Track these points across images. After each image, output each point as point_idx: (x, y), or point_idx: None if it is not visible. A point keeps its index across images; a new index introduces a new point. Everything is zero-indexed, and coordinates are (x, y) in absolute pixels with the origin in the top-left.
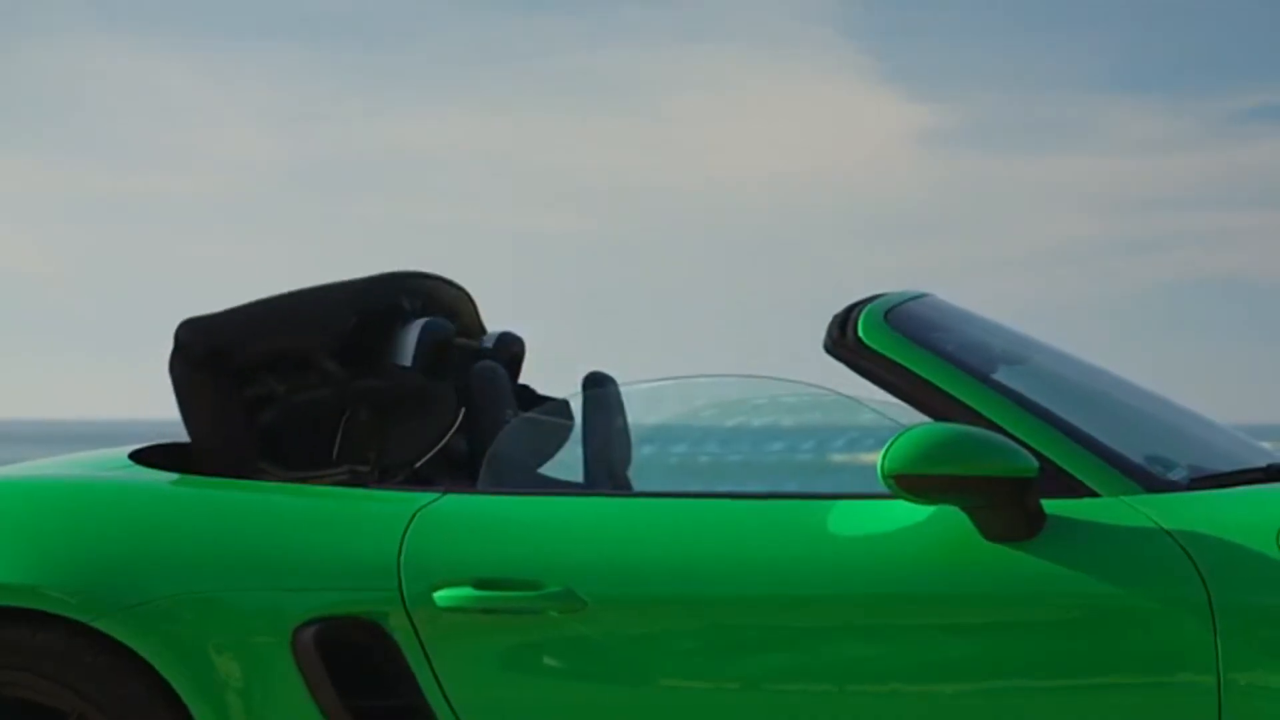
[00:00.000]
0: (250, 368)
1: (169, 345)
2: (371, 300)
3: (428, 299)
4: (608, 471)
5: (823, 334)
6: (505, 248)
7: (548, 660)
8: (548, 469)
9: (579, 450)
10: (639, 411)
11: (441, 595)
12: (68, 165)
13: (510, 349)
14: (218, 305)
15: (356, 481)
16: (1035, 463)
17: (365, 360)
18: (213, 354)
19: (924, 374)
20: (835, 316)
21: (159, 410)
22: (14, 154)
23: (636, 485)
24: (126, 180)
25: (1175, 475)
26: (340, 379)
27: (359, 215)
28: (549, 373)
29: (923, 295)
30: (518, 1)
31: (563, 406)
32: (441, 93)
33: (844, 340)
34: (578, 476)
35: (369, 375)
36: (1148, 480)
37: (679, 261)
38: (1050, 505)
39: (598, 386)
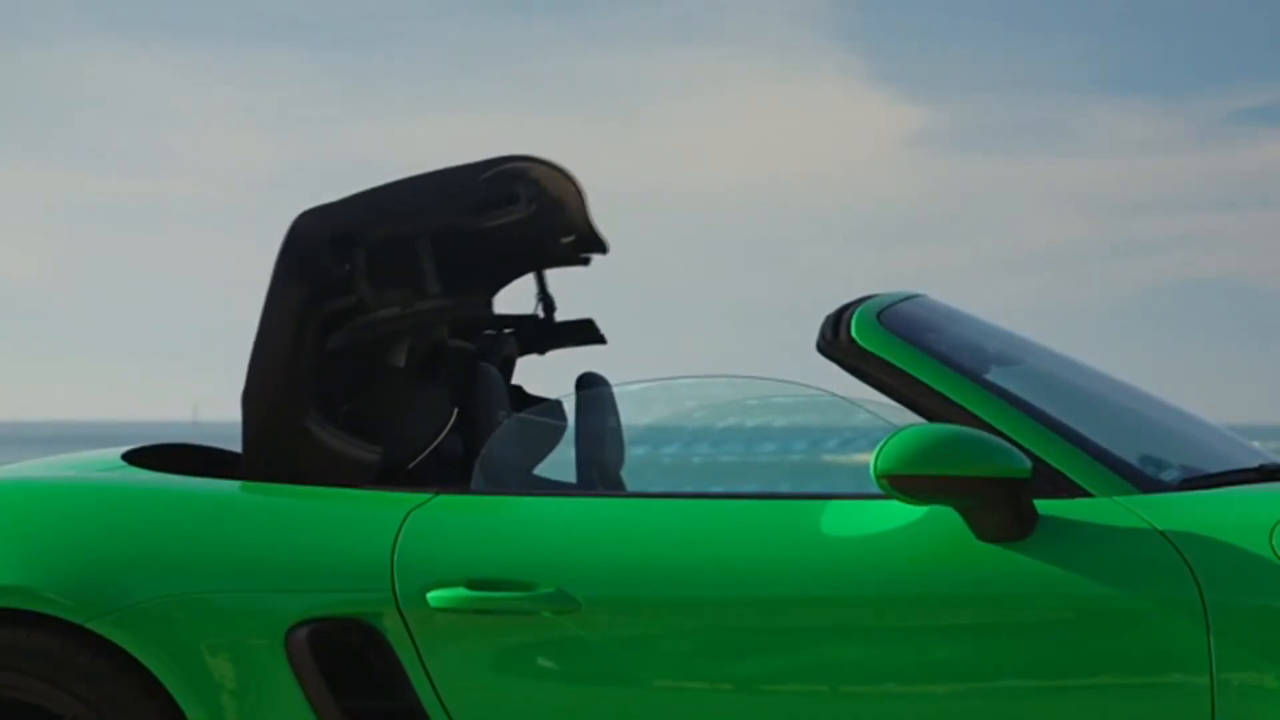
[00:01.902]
0: (352, 268)
1: (164, 347)
2: (491, 186)
3: (539, 187)
4: (600, 472)
5: (815, 335)
6: None
7: (541, 661)
8: (540, 469)
9: (572, 451)
10: (632, 412)
11: (435, 596)
12: (63, 168)
13: (503, 350)
14: (214, 307)
15: (352, 482)
16: (1028, 463)
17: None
18: (335, 240)
19: (917, 374)
20: (828, 317)
21: (152, 412)
22: (10, 157)
23: (629, 486)
24: (123, 184)
25: (1168, 476)
26: (430, 287)
27: None
28: (544, 373)
29: (916, 296)
30: (511, 5)
31: (556, 407)
32: (439, 95)
33: (837, 341)
34: (571, 477)
35: (440, 295)
36: (1141, 481)
37: (673, 263)
38: (1043, 505)
39: (591, 387)
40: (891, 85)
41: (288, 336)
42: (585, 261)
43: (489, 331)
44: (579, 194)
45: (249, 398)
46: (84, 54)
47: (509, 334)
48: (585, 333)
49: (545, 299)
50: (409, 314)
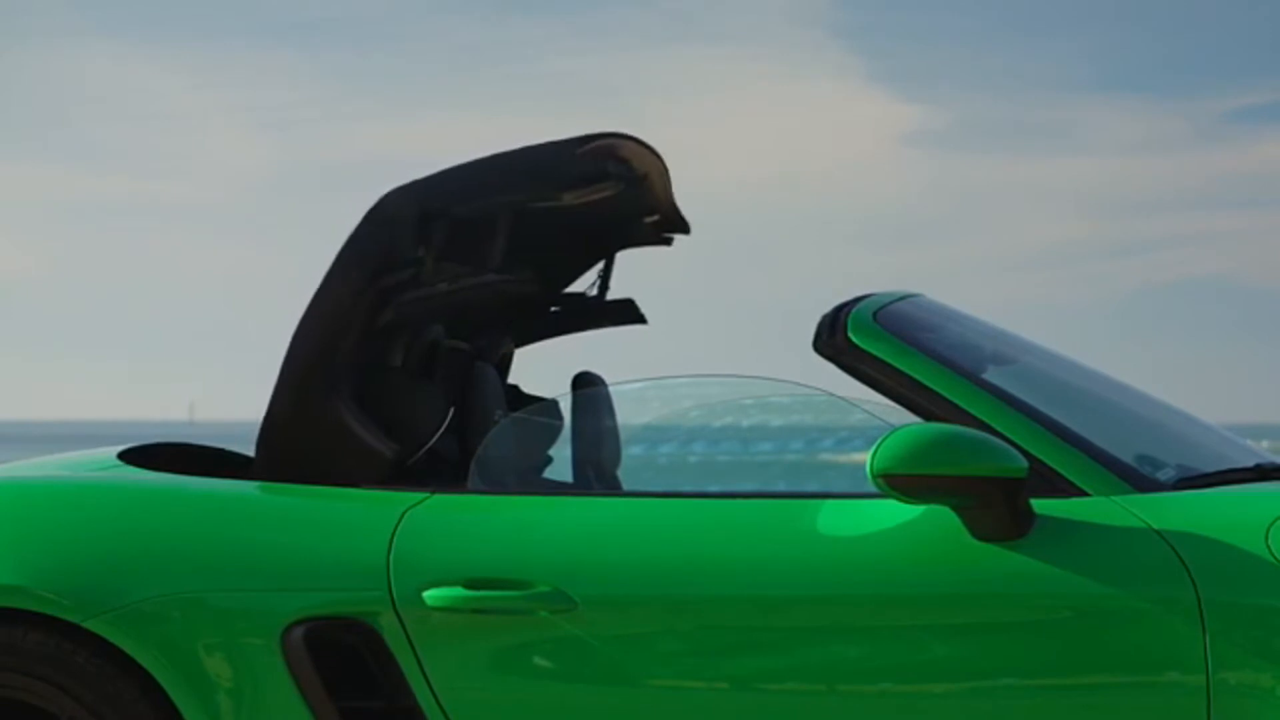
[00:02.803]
0: (429, 247)
1: (161, 347)
2: (583, 163)
3: (629, 165)
4: (597, 471)
5: (812, 334)
6: None
7: (538, 660)
8: (536, 469)
9: (568, 450)
10: (628, 412)
11: (431, 595)
12: (63, 169)
13: (500, 350)
14: (212, 307)
15: (361, 476)
16: (1025, 462)
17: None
18: (422, 218)
19: (913, 374)
20: (824, 316)
21: (149, 411)
22: (11, 157)
23: (625, 485)
24: (123, 184)
25: (1164, 475)
26: (491, 263)
27: (354, 218)
28: (540, 372)
29: (912, 295)
30: (510, 5)
31: (552, 407)
32: (439, 95)
33: (833, 340)
34: (567, 476)
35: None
36: (1137, 480)
37: (670, 263)
38: (1040, 505)
39: (587, 387)
40: (891, 84)
41: (343, 313)
42: (668, 242)
43: (542, 313)
44: (664, 173)
45: (285, 372)
46: (84, 54)
47: (508, 332)
48: (626, 312)
49: (605, 279)
50: (459, 289)
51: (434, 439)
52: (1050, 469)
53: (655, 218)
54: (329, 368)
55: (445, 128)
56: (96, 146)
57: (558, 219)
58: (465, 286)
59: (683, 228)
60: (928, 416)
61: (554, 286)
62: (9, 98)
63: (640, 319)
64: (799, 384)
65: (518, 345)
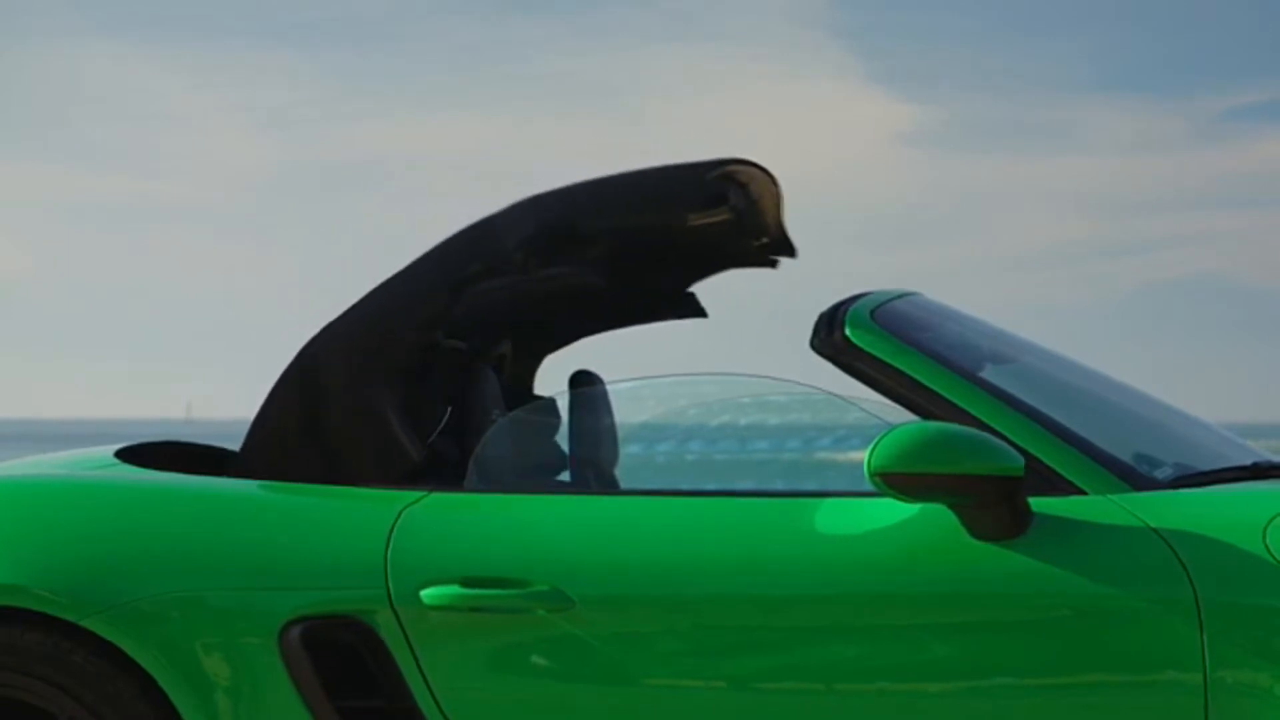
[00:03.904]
0: (529, 255)
1: (159, 346)
2: (711, 187)
3: (747, 191)
4: (595, 470)
5: (809, 333)
6: None
7: (535, 659)
8: (534, 467)
9: (566, 449)
10: (626, 410)
11: (428, 594)
12: (63, 169)
13: (497, 349)
14: (210, 307)
15: (343, 480)
16: (1022, 461)
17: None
18: (543, 230)
19: (911, 372)
20: (822, 315)
21: (146, 410)
22: (11, 157)
23: (623, 484)
24: (123, 183)
25: (1162, 474)
26: (587, 260)
27: (353, 218)
28: (540, 371)
29: (910, 294)
30: (510, 5)
31: (550, 405)
32: (439, 95)
33: (831, 338)
34: (565, 475)
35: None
36: (1135, 479)
37: None
38: (1037, 504)
39: (585, 385)
40: (890, 84)
41: (418, 303)
42: (774, 264)
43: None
44: (778, 198)
45: (335, 352)
46: (84, 54)
47: (507, 332)
48: (689, 306)
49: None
50: (525, 280)
51: (431, 438)
52: (1048, 468)
53: (764, 240)
54: (389, 357)
55: (445, 128)
56: (96, 146)
57: (666, 234)
58: (533, 279)
59: (789, 251)
60: (925, 415)
61: (635, 288)
62: (9, 98)
63: (701, 313)
64: (796, 383)
65: (573, 339)
